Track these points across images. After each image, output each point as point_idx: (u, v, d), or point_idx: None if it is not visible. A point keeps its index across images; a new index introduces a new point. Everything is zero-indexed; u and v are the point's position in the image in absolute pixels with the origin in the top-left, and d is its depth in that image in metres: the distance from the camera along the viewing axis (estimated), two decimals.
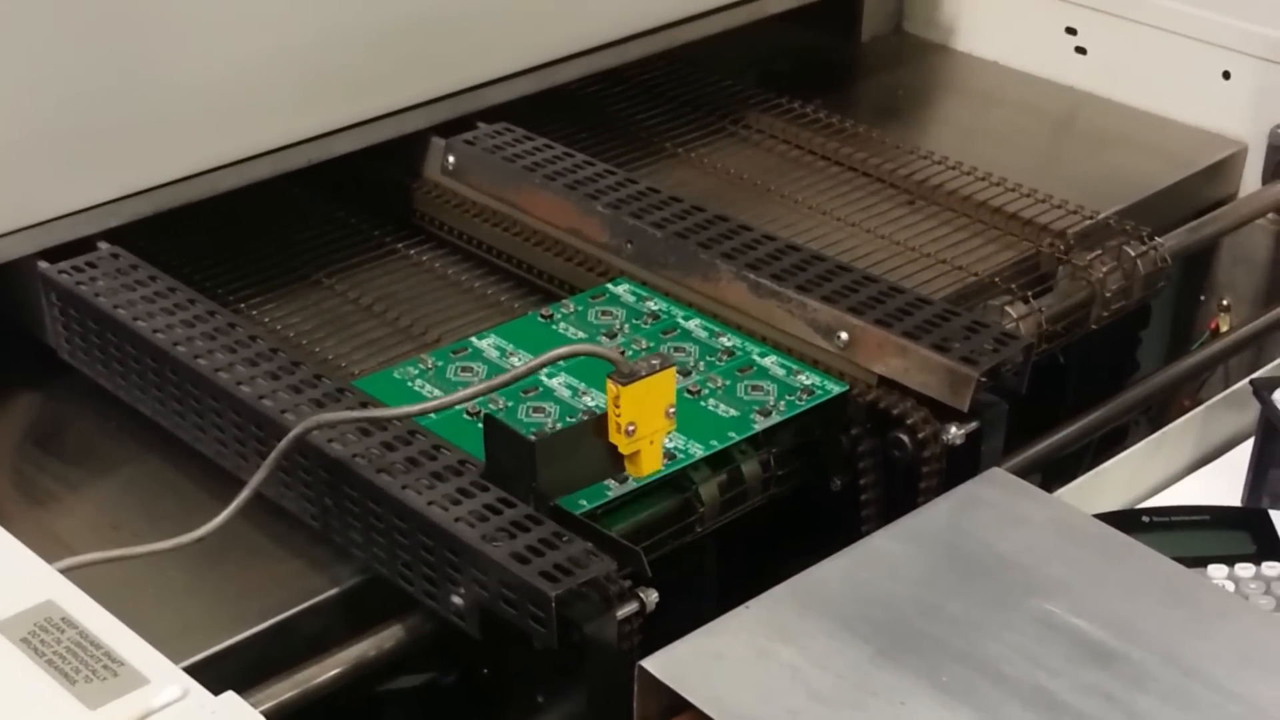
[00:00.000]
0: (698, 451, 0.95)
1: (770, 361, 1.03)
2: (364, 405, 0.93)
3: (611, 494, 0.91)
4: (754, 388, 1.01)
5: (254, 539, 0.95)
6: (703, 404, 1.00)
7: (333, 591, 0.92)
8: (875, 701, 0.83)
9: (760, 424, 0.98)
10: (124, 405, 1.04)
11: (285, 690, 0.85)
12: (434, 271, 1.21)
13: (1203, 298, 1.42)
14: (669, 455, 0.93)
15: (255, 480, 0.86)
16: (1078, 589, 0.90)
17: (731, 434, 0.97)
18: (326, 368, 1.06)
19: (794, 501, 1.02)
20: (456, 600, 0.85)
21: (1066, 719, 0.82)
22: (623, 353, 0.99)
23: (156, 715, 0.69)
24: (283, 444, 0.86)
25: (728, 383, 1.02)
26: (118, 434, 1.05)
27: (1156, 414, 1.34)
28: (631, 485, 0.92)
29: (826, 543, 0.92)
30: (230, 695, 0.70)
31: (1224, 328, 1.37)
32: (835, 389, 1.00)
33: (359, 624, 0.90)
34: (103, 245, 1.09)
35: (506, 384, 0.86)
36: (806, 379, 1.01)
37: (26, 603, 0.74)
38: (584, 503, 0.90)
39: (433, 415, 0.94)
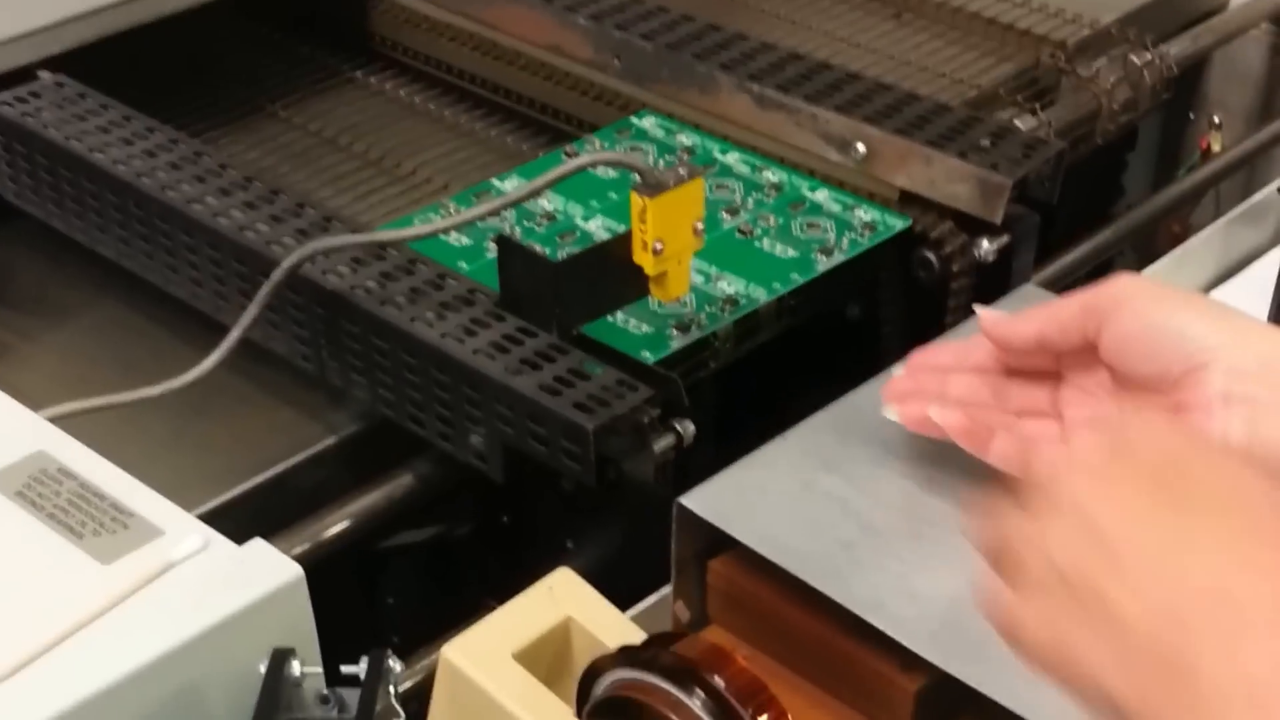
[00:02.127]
0: (761, 296, 0.88)
1: (823, 196, 0.95)
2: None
3: (674, 344, 0.84)
4: (810, 225, 0.93)
5: (239, 387, 0.87)
6: (757, 244, 0.92)
7: (331, 440, 0.85)
8: (933, 530, 0.78)
9: (824, 264, 0.90)
10: (80, 249, 0.95)
11: (292, 546, 0.78)
12: (399, 100, 1.13)
13: (1192, 116, 1.36)
14: (730, 301, 0.87)
15: (247, 316, 0.78)
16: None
17: (795, 276, 0.89)
18: None
19: (809, 335, 0.96)
20: (476, 441, 0.78)
21: None
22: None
23: (179, 568, 0.62)
24: (277, 274, 0.78)
25: (781, 220, 0.94)
26: (75, 280, 0.97)
27: (1143, 243, 1.28)
28: (696, 335, 0.85)
29: (845, 378, 0.86)
30: (259, 542, 0.63)
31: (1216, 147, 1.31)
32: (898, 224, 0.92)
33: (362, 475, 0.83)
34: (44, 74, 1.00)
35: (525, 198, 0.78)
36: (865, 214, 0.93)
37: (16, 455, 0.66)
38: (647, 354, 0.83)
39: (464, 266, 0.86)
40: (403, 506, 0.83)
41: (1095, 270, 1.15)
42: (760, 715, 0.65)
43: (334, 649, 0.65)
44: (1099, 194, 1.32)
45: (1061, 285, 1.05)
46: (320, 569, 0.79)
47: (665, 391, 0.76)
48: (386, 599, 0.93)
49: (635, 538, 0.80)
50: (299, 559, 0.77)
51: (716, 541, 0.80)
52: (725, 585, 0.82)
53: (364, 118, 1.11)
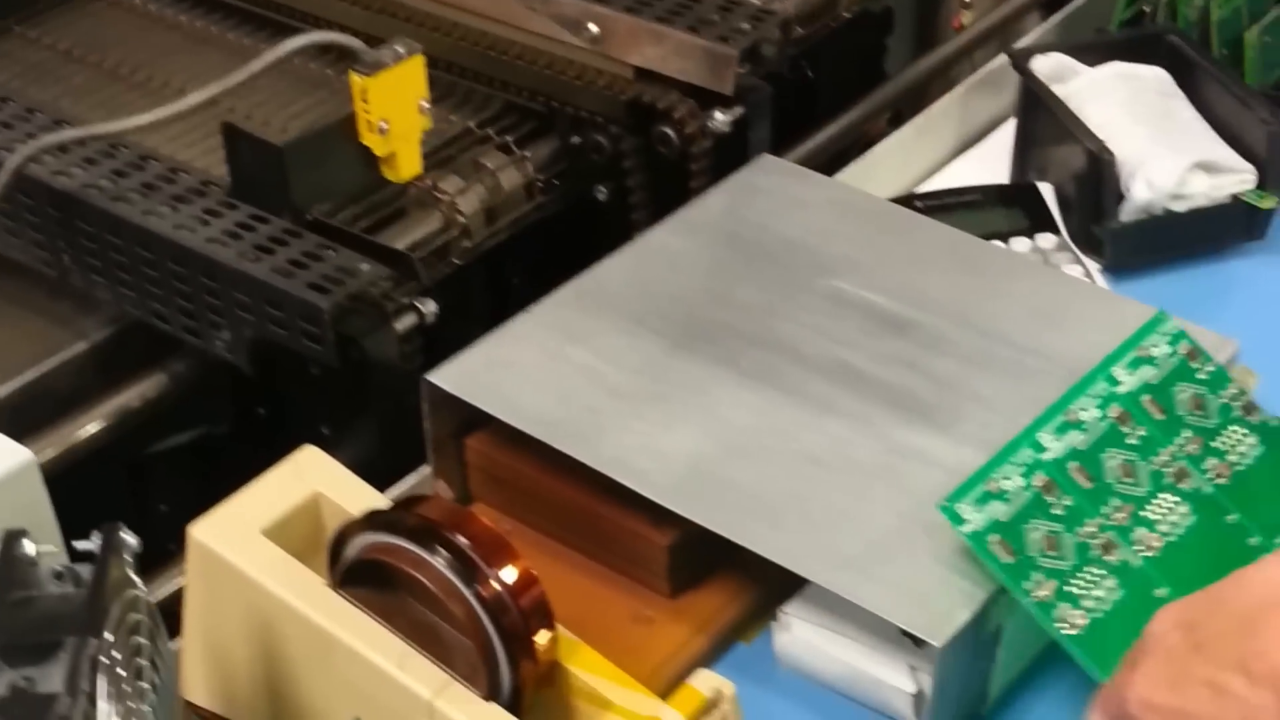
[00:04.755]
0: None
1: None
2: None
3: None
4: None
5: None
6: None
7: (82, 346, 0.84)
8: (676, 391, 0.80)
9: None
10: None
11: (45, 448, 0.77)
12: (140, 11, 1.11)
13: None
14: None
15: None
16: (866, 264, 0.87)
17: None
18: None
19: (563, 220, 0.97)
20: (221, 333, 0.78)
21: (872, 389, 0.80)
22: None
23: None
24: (2, 176, 0.77)
25: None
26: None
27: (897, 118, 1.31)
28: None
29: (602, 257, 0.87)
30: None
31: (967, 22, 1.34)
32: None
33: (119, 381, 0.83)
34: None
35: (241, 81, 0.77)
36: None
37: None
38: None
39: None
40: (159, 407, 0.83)
41: (851, 147, 1.18)
42: (503, 570, 0.66)
43: None
44: (861, 78, 1.35)
45: (816, 161, 1.08)
46: (87, 479, 0.79)
47: (401, 268, 0.77)
48: (159, 507, 0.93)
49: (393, 421, 0.80)
50: (53, 462, 0.78)
51: (472, 419, 0.81)
52: (484, 462, 0.83)
53: (107, 31, 1.09)
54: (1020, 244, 0.99)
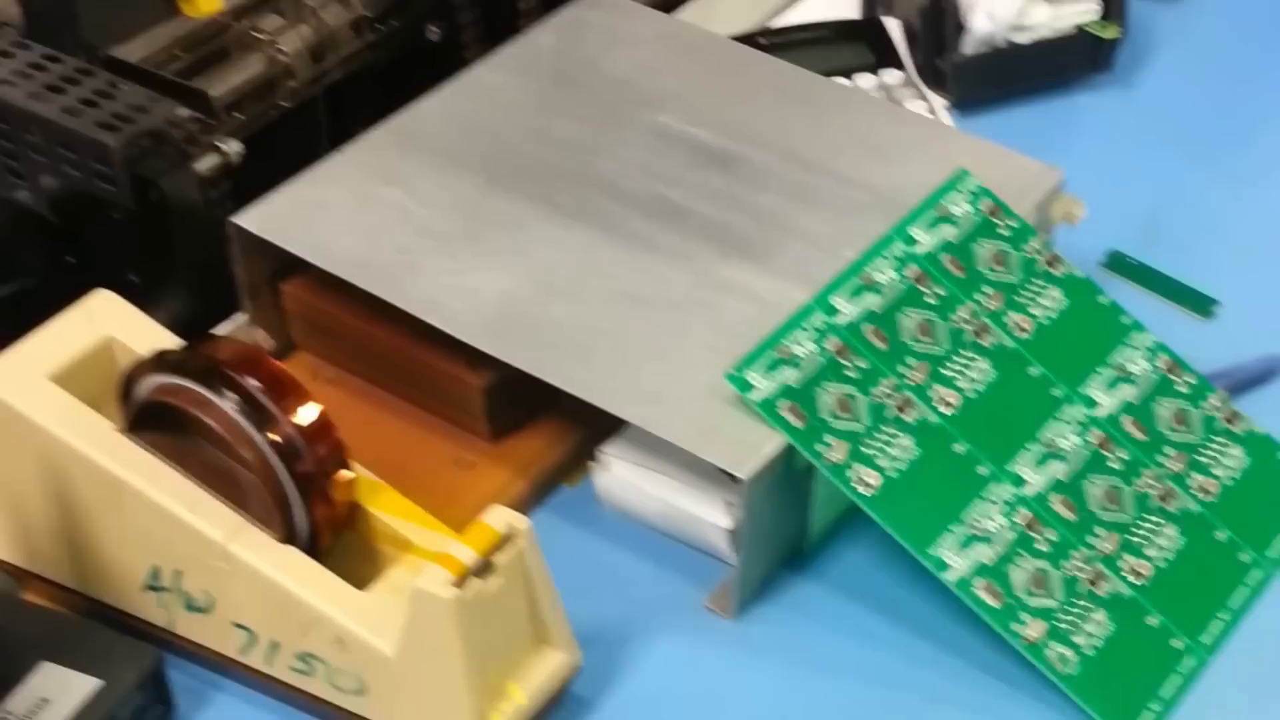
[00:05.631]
0: None
1: None
2: None
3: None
4: None
5: None
6: None
7: None
8: (490, 231, 0.78)
9: None
10: None
11: None
12: None
13: None
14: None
15: None
16: (693, 99, 0.85)
17: None
18: None
19: (398, 63, 0.94)
20: (20, 180, 0.75)
21: (692, 225, 0.78)
22: None
23: None
24: None
25: None
26: None
27: None
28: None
29: None
30: None
31: None
32: None
33: None
34: None
35: None
36: None
37: None
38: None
39: None
40: None
41: None
42: (294, 413, 0.65)
43: None
44: None
45: None
46: None
47: (199, 107, 0.75)
48: None
49: (203, 268, 0.78)
50: None
51: (288, 265, 0.79)
52: (301, 308, 0.81)
53: None
54: (865, 80, 0.97)
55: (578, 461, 0.77)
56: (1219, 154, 0.96)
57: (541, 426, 0.78)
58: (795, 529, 0.73)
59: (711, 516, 0.72)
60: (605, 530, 0.76)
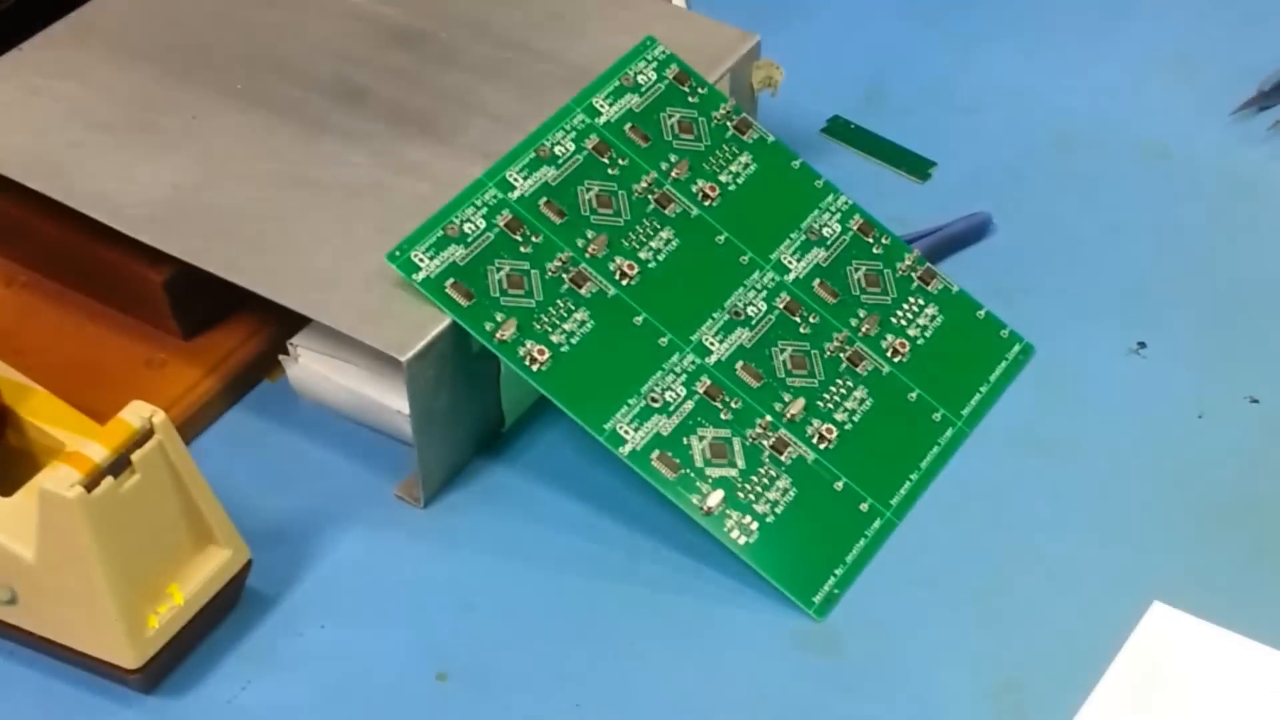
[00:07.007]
0: None
1: None
2: None
3: None
4: None
5: None
6: None
7: None
8: (164, 121, 0.76)
9: None
10: None
11: None
12: None
13: None
14: None
15: None
16: None
17: None
18: None
19: None
20: None
21: (372, 105, 0.76)
22: None
23: None
24: None
25: None
26: None
27: None
28: None
29: None
30: None
31: None
32: None
33: None
34: None
35: None
36: None
37: None
38: None
39: None
40: None
41: None
42: None
43: None
44: None
45: None
46: None
47: None
48: None
49: None
50: None
51: None
52: None
53: None
54: None
55: (276, 356, 0.75)
56: (947, 17, 0.95)
57: (236, 322, 0.76)
58: (486, 413, 0.72)
59: (395, 403, 0.70)
60: (303, 425, 0.74)
